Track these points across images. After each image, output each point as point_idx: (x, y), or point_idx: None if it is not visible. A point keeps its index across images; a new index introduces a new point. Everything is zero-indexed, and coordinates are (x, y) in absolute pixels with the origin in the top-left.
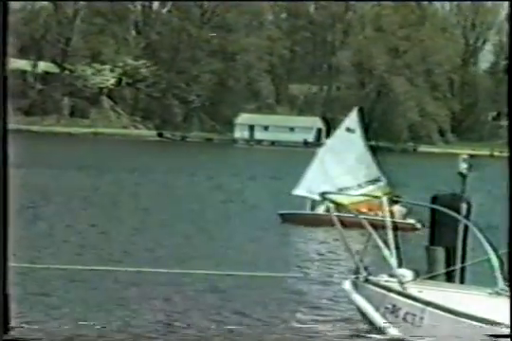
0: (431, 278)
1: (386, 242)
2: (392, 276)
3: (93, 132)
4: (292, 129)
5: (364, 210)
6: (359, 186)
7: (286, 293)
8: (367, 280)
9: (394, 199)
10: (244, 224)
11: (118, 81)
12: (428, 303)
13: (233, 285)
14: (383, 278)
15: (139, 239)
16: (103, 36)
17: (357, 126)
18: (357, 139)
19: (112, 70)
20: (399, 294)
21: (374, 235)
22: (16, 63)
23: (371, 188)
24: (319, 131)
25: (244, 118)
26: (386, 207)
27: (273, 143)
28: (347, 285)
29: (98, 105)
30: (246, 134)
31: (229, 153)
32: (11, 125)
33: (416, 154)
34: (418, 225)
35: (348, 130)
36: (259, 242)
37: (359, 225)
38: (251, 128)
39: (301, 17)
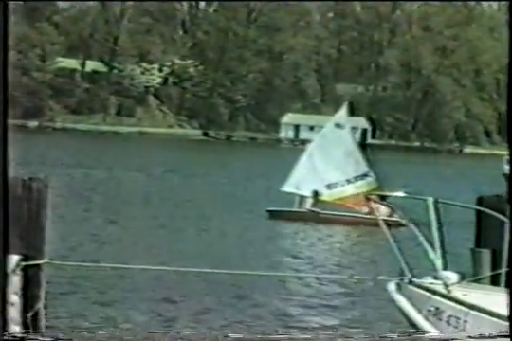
0: (476, 280)
1: (431, 244)
2: (436, 278)
3: (139, 131)
4: None
5: (350, 206)
6: (348, 181)
7: None
8: (411, 282)
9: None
10: None
11: (164, 81)
12: (472, 306)
13: None
14: (427, 281)
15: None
16: (151, 35)
17: (346, 122)
18: (346, 135)
19: (160, 69)
20: (443, 296)
21: (419, 235)
22: (64, 62)
23: (359, 183)
24: (364, 131)
25: (289, 118)
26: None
27: None
28: (391, 287)
29: (144, 104)
30: (291, 134)
31: (273, 153)
32: (58, 123)
33: (462, 155)
34: (403, 222)
35: (337, 126)
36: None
37: (345, 222)
38: (296, 128)
39: (348, 17)
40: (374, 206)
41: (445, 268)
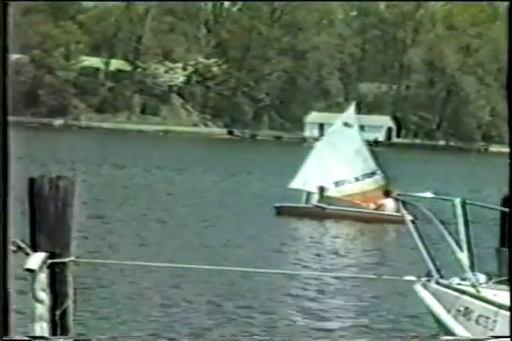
0: (502, 281)
1: (458, 243)
2: (464, 279)
3: (164, 129)
4: (362, 128)
5: (358, 202)
6: (356, 179)
7: None
8: (438, 283)
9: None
10: None
11: (188, 79)
12: (501, 306)
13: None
14: (455, 281)
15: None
16: (174, 34)
17: (355, 121)
18: (355, 134)
19: (184, 68)
20: (472, 296)
21: (447, 236)
22: (89, 61)
23: (367, 181)
24: (389, 130)
25: (313, 117)
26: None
27: None
28: (419, 287)
29: (168, 103)
30: (315, 133)
31: (299, 152)
32: (83, 122)
33: (488, 154)
34: (411, 218)
35: (346, 124)
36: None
37: (351, 218)
38: (321, 126)
39: (372, 15)
40: (388, 201)
41: (472, 268)
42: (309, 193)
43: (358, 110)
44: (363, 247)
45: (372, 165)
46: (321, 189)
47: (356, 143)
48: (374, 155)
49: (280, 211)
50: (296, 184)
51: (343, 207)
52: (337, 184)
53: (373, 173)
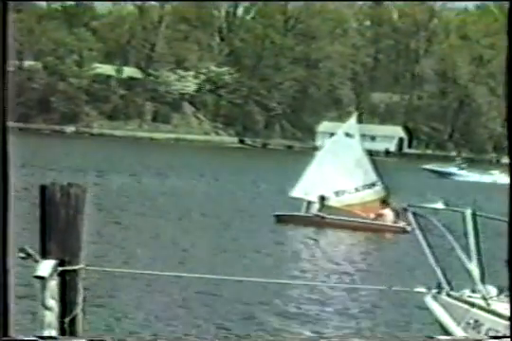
0: None
1: (469, 255)
2: (474, 291)
3: (175, 138)
4: (373, 138)
5: (358, 212)
6: (356, 189)
7: None
8: (449, 295)
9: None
10: None
11: (200, 88)
12: None
13: None
14: (466, 293)
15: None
16: (188, 42)
17: (356, 131)
18: (356, 144)
19: (196, 76)
20: (482, 309)
21: (457, 247)
22: (101, 68)
23: (367, 191)
24: (400, 140)
25: (325, 126)
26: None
27: None
28: (429, 299)
29: (180, 111)
30: None
31: (309, 161)
32: (95, 129)
33: (499, 166)
34: (408, 229)
35: (347, 135)
36: None
37: (350, 227)
38: (332, 136)
39: (385, 25)
40: (387, 212)
41: (483, 281)
42: (309, 202)
43: (360, 120)
44: (361, 256)
45: (372, 176)
46: (322, 199)
47: (357, 153)
48: (375, 166)
49: (279, 219)
50: (297, 193)
51: (342, 217)
52: (337, 193)
53: (373, 184)
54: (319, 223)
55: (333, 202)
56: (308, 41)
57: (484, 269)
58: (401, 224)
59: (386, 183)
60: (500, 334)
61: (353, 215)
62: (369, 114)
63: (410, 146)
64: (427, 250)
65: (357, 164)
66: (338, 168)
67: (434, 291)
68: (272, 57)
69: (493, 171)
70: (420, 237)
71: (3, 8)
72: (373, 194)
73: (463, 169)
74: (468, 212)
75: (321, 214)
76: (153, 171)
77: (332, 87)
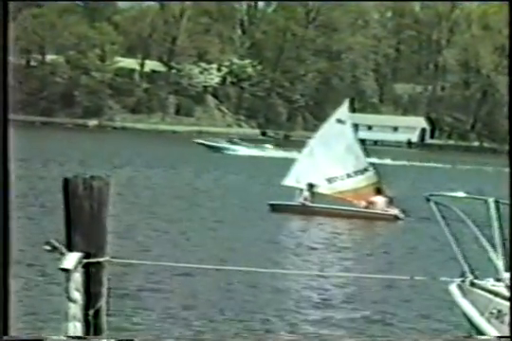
0: None
1: (493, 244)
2: (499, 279)
3: (198, 130)
4: (396, 129)
5: (349, 199)
6: (348, 175)
7: None
8: (473, 284)
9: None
10: None
11: (223, 80)
12: None
13: None
14: (489, 282)
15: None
16: (209, 35)
17: (348, 117)
18: (347, 130)
19: (219, 69)
20: (505, 298)
21: (480, 236)
22: (124, 62)
23: (359, 177)
24: (423, 131)
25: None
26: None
27: (376, 143)
28: (453, 288)
29: (202, 104)
30: None
31: None
32: (118, 123)
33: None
34: (401, 216)
35: (339, 121)
36: None
37: (339, 215)
38: (355, 127)
39: (407, 16)
40: (378, 199)
41: (507, 270)
42: (301, 190)
43: (352, 107)
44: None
45: (363, 161)
46: (311, 186)
47: (349, 140)
48: (366, 152)
49: (274, 208)
50: (289, 181)
51: (328, 205)
52: (329, 180)
53: (365, 170)
54: (307, 211)
55: (325, 189)
56: (329, 32)
57: (507, 258)
58: (394, 211)
59: None
60: None
61: (344, 202)
62: (392, 105)
63: (432, 136)
64: (450, 238)
65: (349, 150)
66: (330, 154)
67: (458, 280)
68: (294, 49)
69: (267, 146)
70: (442, 224)
71: (3, 8)
72: (365, 180)
73: (235, 143)
74: (491, 200)
75: (305, 202)
76: (186, 165)
77: (355, 79)
